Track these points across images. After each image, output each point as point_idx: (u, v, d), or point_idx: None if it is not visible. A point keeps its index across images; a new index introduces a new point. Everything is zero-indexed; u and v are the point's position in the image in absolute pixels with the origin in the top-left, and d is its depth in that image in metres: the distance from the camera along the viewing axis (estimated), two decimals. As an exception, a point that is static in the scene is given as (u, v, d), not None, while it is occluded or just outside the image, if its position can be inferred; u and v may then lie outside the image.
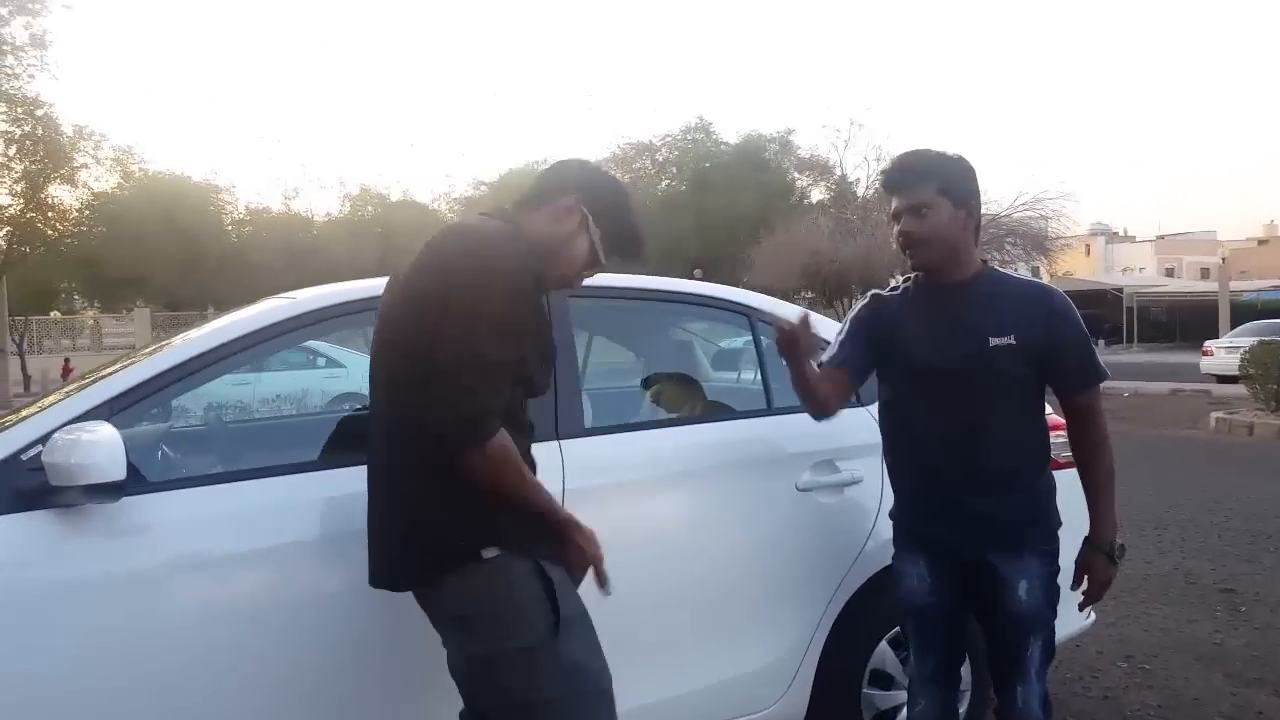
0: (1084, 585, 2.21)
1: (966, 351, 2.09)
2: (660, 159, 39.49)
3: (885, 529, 2.58)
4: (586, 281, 1.96)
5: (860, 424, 2.55)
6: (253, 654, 1.93)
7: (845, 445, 2.61)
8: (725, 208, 32.60)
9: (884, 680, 2.69)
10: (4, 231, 18.08)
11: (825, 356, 2.30)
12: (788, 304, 2.94)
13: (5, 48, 13.59)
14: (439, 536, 1.64)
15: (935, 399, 2.17)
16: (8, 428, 1.96)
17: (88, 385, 2.05)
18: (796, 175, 38.02)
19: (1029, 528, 2.14)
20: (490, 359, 1.55)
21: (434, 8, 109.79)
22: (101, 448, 1.72)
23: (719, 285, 2.88)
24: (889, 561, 2.58)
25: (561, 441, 2.25)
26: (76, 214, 19.64)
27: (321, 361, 11.63)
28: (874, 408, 2.42)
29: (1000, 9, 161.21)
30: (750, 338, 2.78)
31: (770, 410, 2.71)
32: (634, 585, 2.14)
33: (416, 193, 35.14)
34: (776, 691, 2.52)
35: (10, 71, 14.29)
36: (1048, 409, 2.34)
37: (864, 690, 2.65)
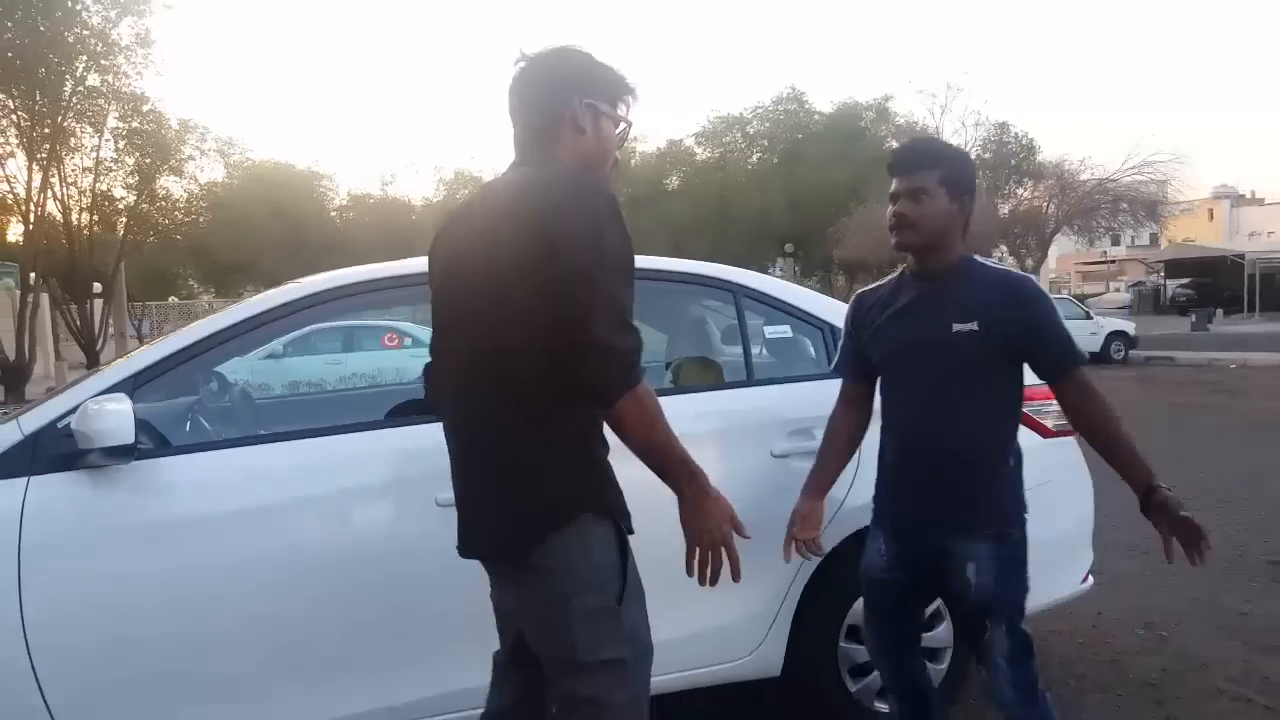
0: (1176, 546, 2.01)
1: (932, 337, 2.17)
2: (751, 132, 39.07)
3: (857, 495, 2.71)
4: None
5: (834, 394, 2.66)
6: (244, 597, 2.22)
7: (821, 415, 2.72)
8: (818, 180, 32.11)
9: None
10: (121, 222, 19.40)
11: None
12: (769, 277, 3.06)
13: (114, 48, 14.49)
14: (540, 503, 1.66)
15: (905, 383, 2.26)
16: (48, 402, 2.28)
17: (114, 365, 2.36)
18: (894, 144, 37.12)
19: (984, 512, 2.17)
20: (622, 302, 1.57)
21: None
22: (113, 416, 2.02)
23: (706, 263, 3.02)
24: (862, 524, 2.71)
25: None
26: (186, 204, 20.84)
27: (409, 342, 12.27)
28: None
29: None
30: (735, 313, 2.92)
31: (750, 382, 2.86)
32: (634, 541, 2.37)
33: (509, 174, 35.68)
34: (752, 643, 2.68)
35: (119, 70, 15.27)
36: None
37: (841, 644, 2.79)
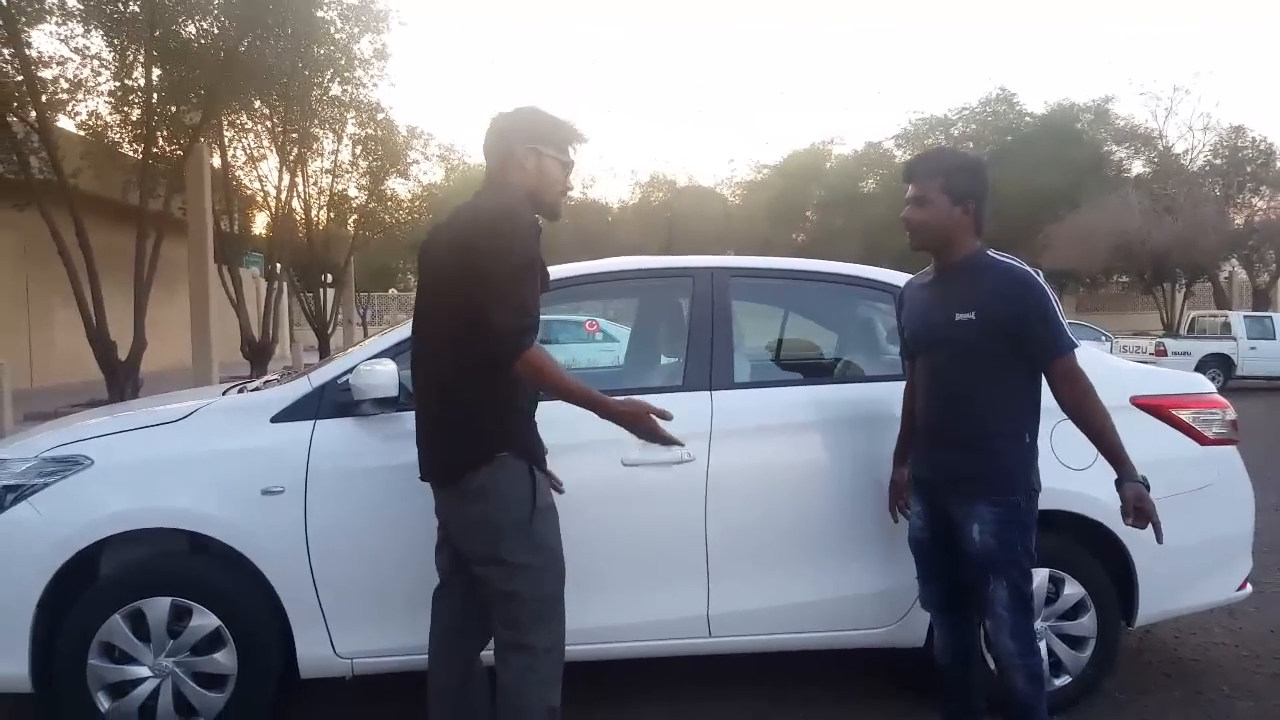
0: (1135, 518, 2.31)
1: (937, 325, 2.47)
2: (955, 134, 37.73)
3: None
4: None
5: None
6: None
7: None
8: (1028, 184, 30.50)
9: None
10: (353, 219, 21.46)
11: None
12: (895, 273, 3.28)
13: (355, 61, 16.04)
14: (471, 444, 2.23)
15: (922, 365, 2.56)
16: (331, 363, 2.92)
17: (379, 337, 2.98)
18: (1114, 147, 34.79)
19: (985, 480, 2.40)
20: (520, 295, 2.14)
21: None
22: (383, 374, 2.61)
23: (871, 267, 3.32)
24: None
25: (713, 392, 2.94)
26: (409, 203, 22.71)
27: (600, 336, 13.05)
28: None
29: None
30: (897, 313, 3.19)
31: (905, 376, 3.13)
32: (772, 507, 2.88)
33: (701, 178, 36.40)
34: (899, 611, 2.99)
35: (359, 82, 16.92)
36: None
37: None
